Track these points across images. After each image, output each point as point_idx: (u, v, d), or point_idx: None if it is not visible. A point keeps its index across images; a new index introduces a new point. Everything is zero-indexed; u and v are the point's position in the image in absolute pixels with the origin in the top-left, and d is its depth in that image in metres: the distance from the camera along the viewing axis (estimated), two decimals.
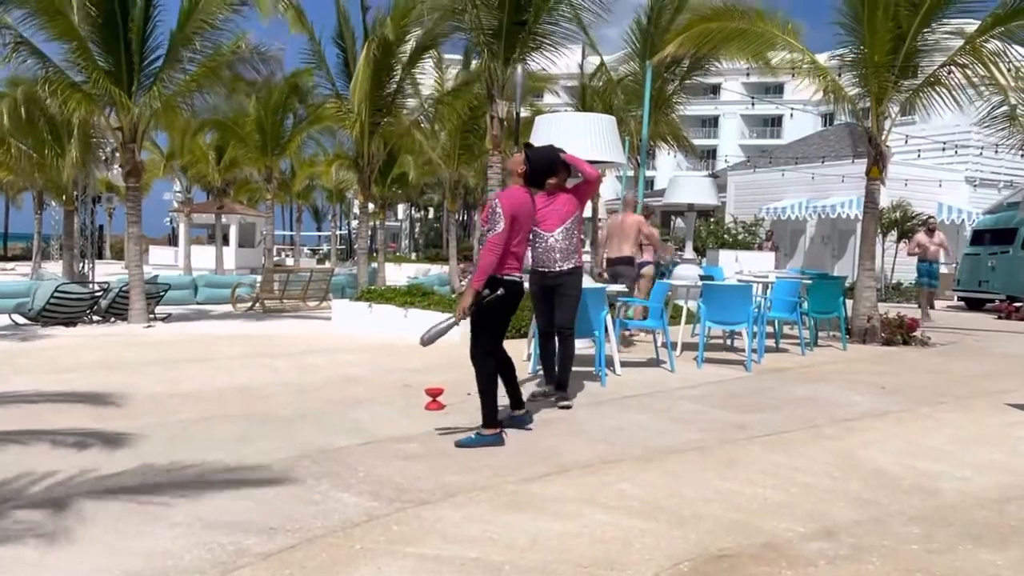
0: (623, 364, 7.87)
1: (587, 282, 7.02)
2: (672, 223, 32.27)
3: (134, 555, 3.22)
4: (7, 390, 6.65)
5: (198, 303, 16.93)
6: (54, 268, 25.51)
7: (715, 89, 56.72)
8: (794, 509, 3.93)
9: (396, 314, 10.88)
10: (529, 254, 5.94)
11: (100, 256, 34.41)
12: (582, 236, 6.56)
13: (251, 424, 5.52)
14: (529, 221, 5.24)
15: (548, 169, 5.54)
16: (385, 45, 15.08)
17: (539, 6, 11.65)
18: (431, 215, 54.05)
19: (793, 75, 11.58)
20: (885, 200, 17.78)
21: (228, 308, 15.89)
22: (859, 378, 7.94)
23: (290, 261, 41.11)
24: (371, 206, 21.30)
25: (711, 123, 64.53)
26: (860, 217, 13.81)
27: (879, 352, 10.00)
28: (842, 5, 10.68)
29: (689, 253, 13.69)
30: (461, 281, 19.70)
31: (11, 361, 8.42)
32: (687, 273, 11.28)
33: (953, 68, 10.60)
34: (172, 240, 43.21)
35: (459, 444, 4.93)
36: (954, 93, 10.85)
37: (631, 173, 18.33)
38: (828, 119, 43.34)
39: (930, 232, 14.95)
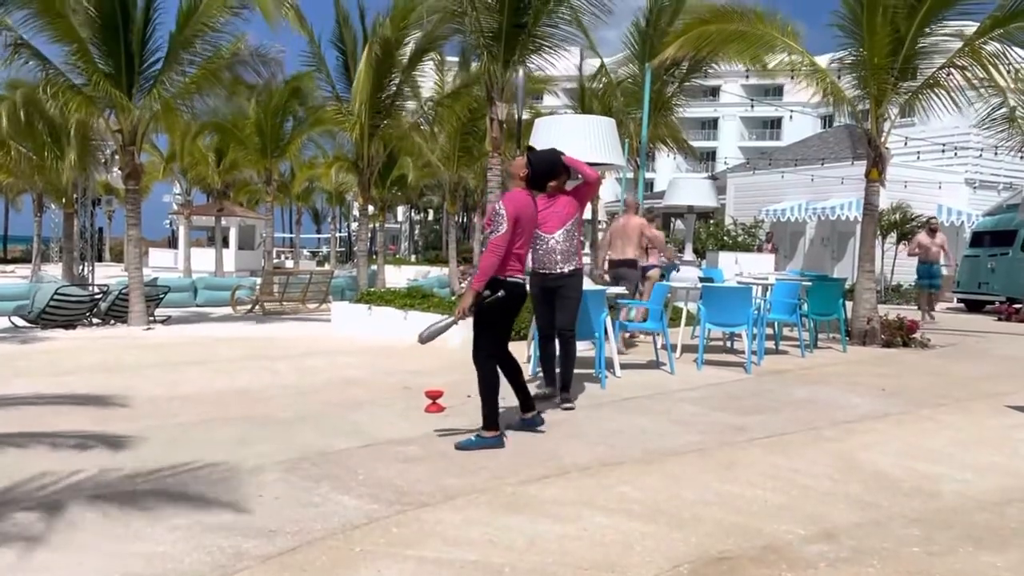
0: (623, 366, 7.87)
1: (587, 284, 7.02)
2: (672, 225, 32.28)
3: (133, 558, 3.22)
4: (7, 392, 6.64)
5: (198, 305, 16.92)
6: (54, 271, 25.50)
7: (714, 91, 56.81)
8: (794, 511, 3.92)
9: (396, 316, 10.87)
10: (529, 256, 5.94)
11: (100, 259, 34.44)
12: (582, 238, 6.56)
13: (251, 426, 5.51)
14: (532, 223, 5.25)
15: (550, 172, 5.55)
16: (386, 47, 15.11)
17: (539, 9, 11.66)
18: (431, 217, 54.08)
19: (792, 77, 11.58)
20: (885, 202, 17.78)
21: (228, 310, 15.88)
22: (859, 380, 7.93)
23: (290, 263, 41.10)
24: (371, 208, 21.30)
25: (711, 125, 64.59)
26: (860, 219, 13.82)
27: (879, 354, 9.99)
28: (841, 8, 10.68)
29: (689, 255, 13.70)
30: (461, 283, 19.70)
31: (11, 363, 8.42)
32: (686, 276, 11.29)
33: (952, 70, 10.61)
34: (172, 242, 43.20)
35: (459, 446, 4.92)
36: (953, 95, 10.86)
37: (631, 175, 18.35)
38: (828, 121, 43.37)
39: (931, 233, 14.92)
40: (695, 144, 32.13)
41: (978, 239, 19.13)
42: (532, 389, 6.54)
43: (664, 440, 5.29)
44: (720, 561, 3.30)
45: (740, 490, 4.23)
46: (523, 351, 8.03)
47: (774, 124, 62.34)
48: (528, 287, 5.50)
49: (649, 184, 45.65)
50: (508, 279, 5.01)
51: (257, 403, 6.36)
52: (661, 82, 16.96)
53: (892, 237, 21.56)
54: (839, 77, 11.38)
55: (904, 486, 4.39)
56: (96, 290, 13.44)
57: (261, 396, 6.65)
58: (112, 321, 12.61)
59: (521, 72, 11.50)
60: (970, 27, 10.66)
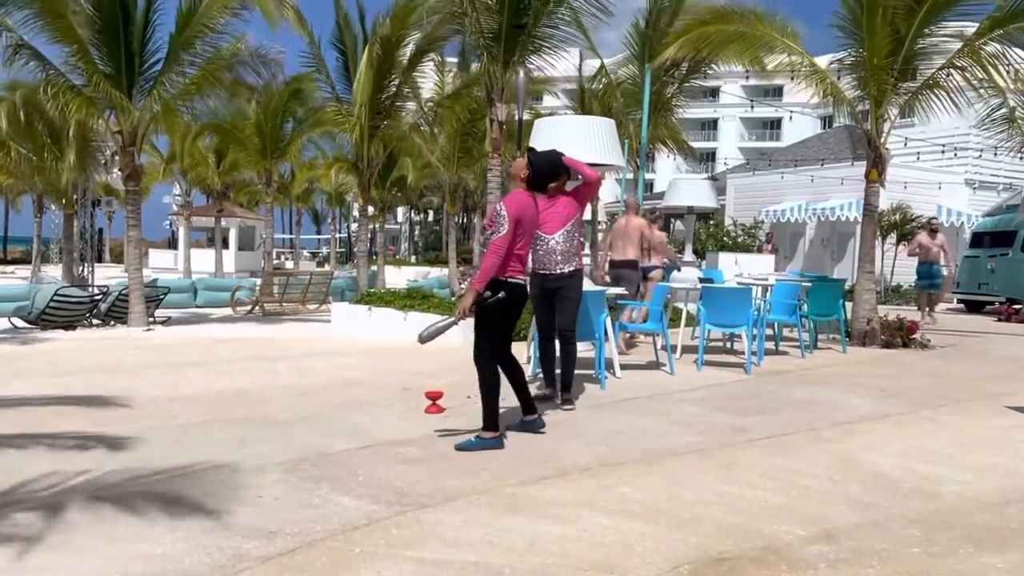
0: (623, 367, 7.87)
1: (586, 285, 7.02)
2: (672, 226, 32.29)
3: (133, 559, 3.22)
4: (7, 394, 6.64)
5: (198, 306, 16.93)
6: (54, 271, 25.51)
7: (714, 92, 56.80)
8: (794, 512, 3.92)
9: (396, 317, 10.87)
10: (529, 257, 5.94)
11: (100, 259, 34.45)
12: (582, 239, 6.57)
13: (251, 427, 5.51)
14: (533, 224, 5.26)
15: (551, 173, 5.56)
16: (386, 47, 15.12)
17: (538, 10, 11.66)
18: (431, 218, 54.10)
19: (792, 78, 11.59)
20: (884, 203, 17.79)
21: (228, 311, 15.88)
22: (859, 381, 7.93)
23: (289, 264, 41.12)
24: (371, 209, 21.32)
25: (710, 126, 64.60)
26: (859, 219, 13.82)
27: (879, 355, 9.99)
28: (840, 8, 10.69)
29: (689, 256, 13.70)
30: (461, 284, 19.71)
31: (11, 364, 8.42)
32: (686, 276, 11.29)
33: (952, 71, 10.61)
34: (172, 243, 43.22)
35: (459, 447, 4.92)
36: (953, 96, 10.86)
37: (630, 176, 18.36)
38: (827, 122, 43.39)
39: (932, 233, 14.90)
40: (695, 145, 32.12)
41: (978, 240, 19.13)
42: (532, 390, 6.55)
43: (664, 441, 5.29)
44: (720, 562, 3.30)
45: (740, 491, 4.23)
46: (523, 352, 8.05)
47: (774, 125, 62.34)
48: (528, 288, 5.50)
49: (649, 185, 45.65)
50: (509, 280, 5.01)
51: (257, 404, 6.36)
52: (661, 83, 16.96)
53: (892, 238, 21.57)
54: (839, 78, 11.38)
55: (904, 487, 4.39)
56: (96, 291, 13.45)
57: (261, 397, 6.65)
58: (112, 322, 12.61)
59: (522, 74, 11.50)
60: (970, 28, 10.67)
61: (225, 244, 31.51)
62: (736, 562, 3.30)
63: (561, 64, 12.96)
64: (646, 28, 17.05)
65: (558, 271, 6.21)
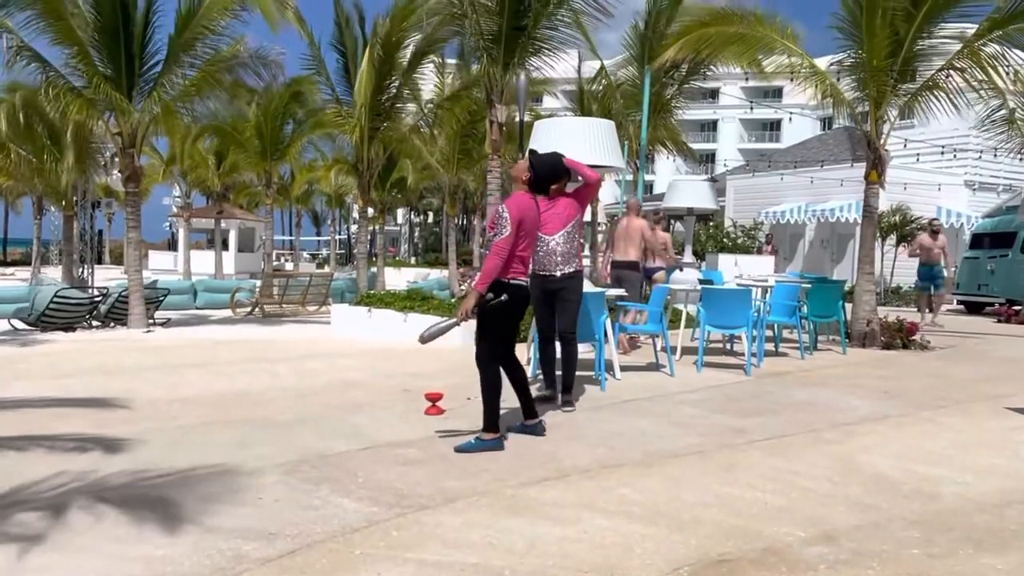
0: (622, 368, 7.87)
1: (586, 286, 7.02)
2: (671, 227, 32.29)
3: (133, 561, 3.22)
4: (6, 395, 6.64)
5: (197, 308, 16.93)
6: (53, 273, 25.51)
7: (714, 93, 56.74)
8: (794, 514, 3.92)
9: (395, 319, 10.87)
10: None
11: (99, 261, 34.42)
12: (582, 240, 6.57)
13: (250, 429, 5.51)
14: (535, 226, 5.28)
15: (552, 175, 5.58)
16: (386, 47, 15.13)
17: (538, 11, 11.67)
18: (430, 219, 54.11)
19: (792, 79, 11.59)
20: (884, 204, 17.79)
21: (227, 313, 15.88)
22: (859, 382, 7.93)
23: (289, 266, 41.12)
24: (370, 211, 21.32)
25: (710, 127, 64.61)
26: (859, 221, 13.82)
27: (879, 356, 9.99)
28: (840, 10, 10.69)
29: (688, 257, 13.71)
30: (461, 285, 19.70)
31: (11, 366, 8.42)
32: (686, 278, 11.28)
33: (951, 72, 10.62)
34: (171, 245, 43.22)
35: (459, 449, 4.92)
36: (952, 97, 10.86)
37: (630, 177, 18.36)
38: (827, 123, 43.39)
39: (934, 234, 14.87)
40: (694, 146, 32.10)
41: (978, 241, 19.13)
42: (533, 391, 6.55)
43: (664, 442, 5.29)
44: (720, 563, 3.30)
45: (740, 492, 4.23)
46: (523, 353, 8.05)
47: (773, 126, 62.37)
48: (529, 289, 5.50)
49: (649, 186, 45.68)
50: (511, 282, 5.02)
51: (257, 406, 6.35)
52: (660, 84, 16.97)
53: (892, 239, 21.57)
54: (838, 79, 11.38)
55: (904, 488, 4.39)
56: (96, 293, 13.46)
57: (261, 399, 6.65)
58: (112, 323, 12.61)
59: (523, 76, 11.50)
60: (969, 29, 10.67)
61: (225, 246, 31.51)
62: (736, 564, 3.30)
63: (561, 65, 12.97)
64: (645, 30, 17.05)
65: (558, 272, 6.21)
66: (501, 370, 5.15)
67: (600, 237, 26.35)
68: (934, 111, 11.13)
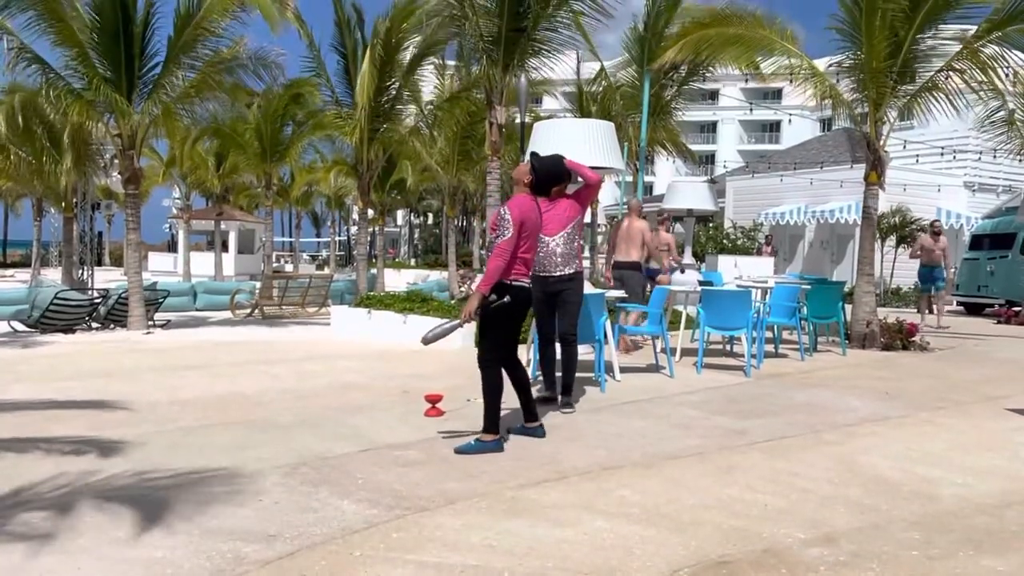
0: (622, 370, 7.87)
1: (587, 287, 7.02)
2: (671, 228, 32.29)
3: (132, 563, 3.22)
4: (6, 398, 6.64)
5: (197, 310, 16.93)
6: (53, 275, 25.52)
7: (713, 95, 56.78)
8: (794, 515, 3.92)
9: (395, 320, 10.88)
10: None
11: (99, 263, 34.44)
12: (582, 241, 6.57)
13: (250, 431, 5.51)
14: (536, 228, 5.29)
15: (554, 177, 5.61)
16: (386, 47, 15.13)
17: (538, 13, 11.67)
18: (430, 221, 54.11)
19: (791, 81, 11.59)
20: (884, 205, 17.80)
21: (227, 315, 15.89)
22: (858, 383, 7.93)
23: (289, 267, 41.11)
24: (370, 212, 21.32)
25: (709, 128, 64.62)
26: (859, 222, 13.83)
27: (878, 357, 9.99)
28: (839, 11, 10.70)
29: (688, 259, 13.71)
30: (461, 287, 19.70)
31: (11, 368, 8.42)
32: (686, 279, 11.30)
33: (951, 73, 10.62)
34: (171, 247, 43.21)
35: (458, 451, 4.93)
36: (952, 98, 10.86)
37: (630, 179, 18.37)
38: (826, 124, 43.41)
39: (935, 236, 14.84)
40: (694, 147, 32.13)
41: (977, 242, 19.14)
42: (533, 393, 6.55)
43: (664, 444, 5.29)
44: (720, 565, 3.30)
45: (740, 494, 4.23)
46: (523, 355, 8.05)
47: (773, 127, 62.37)
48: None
49: (648, 187, 45.68)
50: (513, 283, 5.04)
51: (256, 407, 6.35)
52: (660, 86, 16.98)
53: (891, 240, 21.58)
54: (837, 80, 11.39)
55: (904, 489, 4.39)
56: (95, 294, 13.45)
57: (260, 400, 6.65)
58: (111, 325, 12.61)
59: (523, 78, 11.50)
60: (969, 30, 10.68)
61: (225, 247, 31.51)
62: (736, 565, 3.30)
63: (560, 66, 12.98)
64: (644, 31, 17.07)
65: (558, 273, 6.22)
66: (503, 372, 5.16)
67: (600, 238, 26.39)
68: (933, 112, 11.14)
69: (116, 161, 17.55)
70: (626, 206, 12.09)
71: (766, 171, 28.53)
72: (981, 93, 11.23)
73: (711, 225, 27.33)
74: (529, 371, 7.45)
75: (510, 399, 5.28)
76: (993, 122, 12.26)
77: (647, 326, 8.84)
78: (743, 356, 8.62)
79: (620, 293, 9.12)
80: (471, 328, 5.11)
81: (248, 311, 15.98)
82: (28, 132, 17.44)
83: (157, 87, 12.41)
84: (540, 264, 6.25)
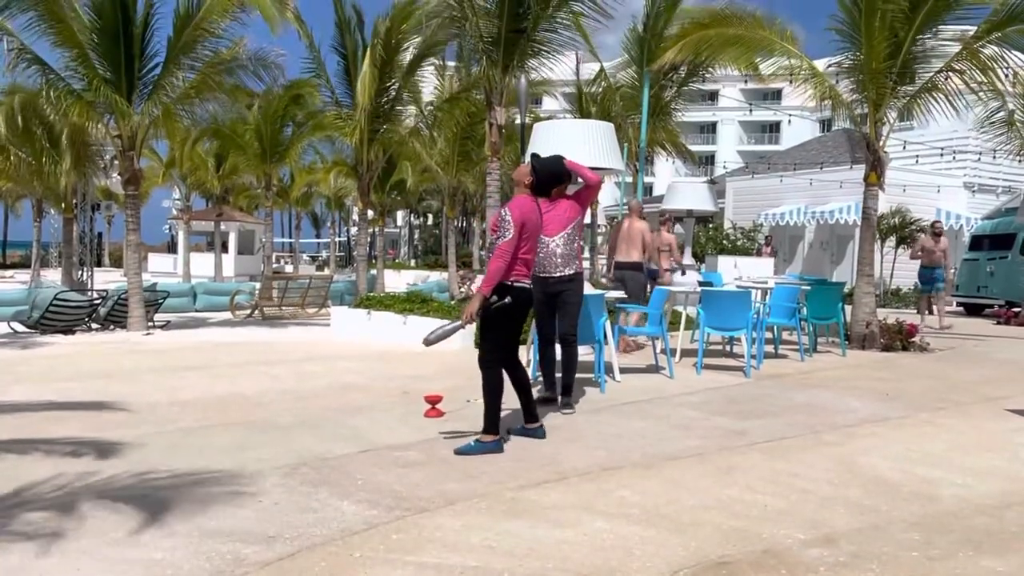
0: (622, 370, 7.87)
1: (586, 288, 7.02)
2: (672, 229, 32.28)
3: (132, 564, 3.21)
4: (6, 399, 6.64)
5: (197, 310, 16.93)
6: (53, 276, 25.52)
7: (713, 95, 56.82)
8: (794, 516, 3.92)
9: (395, 321, 10.88)
10: None
11: (99, 264, 34.42)
12: (582, 242, 6.57)
13: (250, 432, 5.51)
14: (537, 229, 5.31)
15: (555, 178, 5.62)
16: (387, 47, 15.13)
17: (538, 14, 11.67)
18: (430, 222, 54.10)
19: (791, 81, 11.60)
20: (884, 206, 17.79)
21: (227, 315, 15.88)
22: (858, 384, 7.93)
23: (289, 268, 41.11)
24: (370, 213, 21.32)
25: (709, 129, 64.62)
26: (858, 223, 13.83)
27: (878, 358, 9.99)
28: (839, 12, 10.70)
29: (688, 259, 13.71)
30: (461, 288, 19.70)
31: (11, 369, 8.41)
32: (686, 280, 11.31)
33: (950, 74, 10.63)
34: (171, 247, 43.19)
35: (458, 451, 4.93)
36: (951, 99, 10.87)
37: (629, 179, 18.38)
38: (826, 125, 43.42)
39: (936, 237, 14.80)
40: (694, 148, 32.14)
41: (977, 243, 19.13)
42: (533, 394, 6.55)
43: (663, 444, 5.29)
44: (720, 566, 3.30)
45: (739, 494, 4.23)
46: (522, 355, 8.04)
47: (773, 128, 62.37)
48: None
49: (648, 188, 45.67)
50: (515, 284, 5.05)
51: (256, 408, 6.35)
52: (659, 86, 16.98)
53: (891, 241, 21.58)
54: (837, 81, 11.39)
55: (903, 490, 4.39)
56: (95, 295, 13.45)
57: (260, 401, 6.65)
58: (111, 326, 12.61)
59: (524, 80, 11.50)
60: (968, 30, 10.68)
61: (224, 248, 31.49)
62: (736, 566, 3.30)
63: (560, 67, 12.97)
64: (644, 32, 17.07)
65: (558, 274, 6.22)
66: (503, 372, 5.16)
67: (600, 239, 26.39)
68: (933, 113, 11.14)
69: (116, 162, 17.56)
70: (626, 207, 12.09)
71: (766, 172, 28.54)
72: (981, 94, 11.23)
73: (711, 226, 27.34)
74: (529, 372, 7.46)
75: (510, 400, 5.28)
76: (993, 123, 12.27)
77: (647, 327, 8.84)
78: (743, 357, 8.62)
79: (620, 294, 9.12)
80: (471, 329, 5.12)
81: (248, 312, 15.98)
82: (28, 133, 17.44)
83: (157, 88, 12.42)
84: (540, 265, 6.25)
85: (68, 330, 12.00)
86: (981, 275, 18.14)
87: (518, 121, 11.95)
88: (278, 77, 14.04)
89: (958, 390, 7.75)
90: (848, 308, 10.82)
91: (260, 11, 11.80)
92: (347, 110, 16.35)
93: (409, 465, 4.68)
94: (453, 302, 12.96)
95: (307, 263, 51.66)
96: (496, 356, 5.12)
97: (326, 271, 40.15)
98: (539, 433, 5.38)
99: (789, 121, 51.41)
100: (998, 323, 15.81)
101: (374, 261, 27.85)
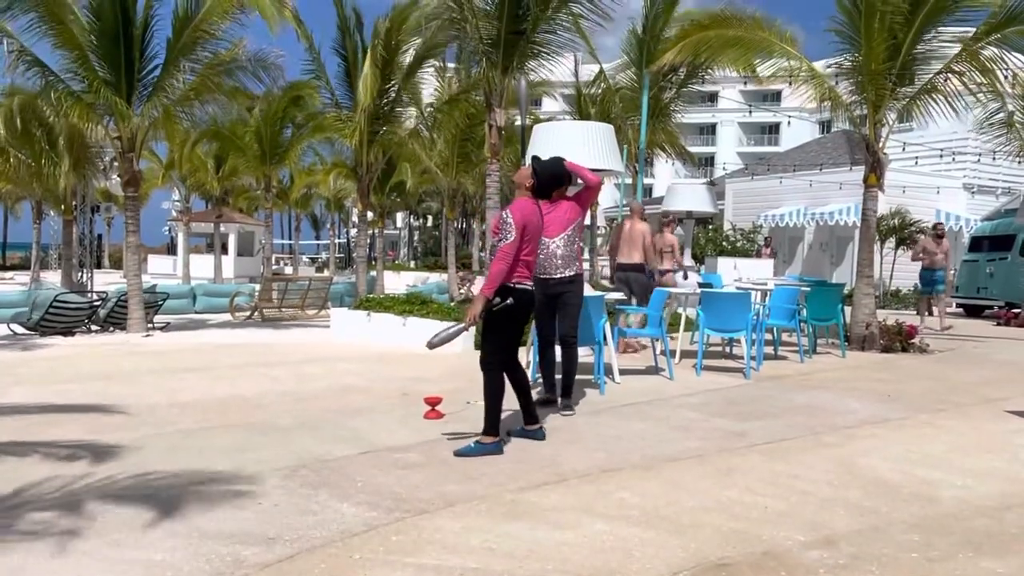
0: (622, 372, 7.87)
1: (586, 290, 7.02)
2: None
3: (132, 565, 3.21)
4: (6, 401, 6.64)
5: (197, 312, 16.93)
6: (52, 277, 25.50)
7: (712, 97, 56.87)
8: (793, 517, 3.92)
9: (395, 323, 10.88)
10: None
11: (99, 265, 34.44)
12: (582, 244, 6.58)
13: (250, 433, 5.51)
14: (538, 231, 5.33)
15: (555, 181, 5.63)
16: (387, 47, 15.14)
17: (537, 16, 11.68)
18: (430, 223, 54.08)
19: (791, 83, 11.61)
20: (883, 207, 17.79)
21: (227, 317, 15.87)
22: (858, 385, 7.93)
23: (289, 270, 41.10)
24: (370, 214, 21.32)
25: (709, 131, 64.65)
26: (858, 224, 13.84)
27: (878, 359, 9.99)
28: (838, 14, 10.71)
29: (688, 261, 13.72)
30: (460, 289, 19.70)
31: (11, 371, 8.42)
32: (688, 282, 11.32)
33: (950, 75, 10.63)
34: (171, 249, 43.19)
35: (458, 453, 4.93)
36: (951, 100, 10.87)
37: (629, 181, 18.38)
38: (826, 126, 43.44)
39: (938, 239, 14.78)
40: (693, 150, 32.16)
41: (976, 244, 19.15)
42: (533, 395, 6.55)
43: (663, 446, 5.29)
44: (719, 568, 3.30)
45: (739, 496, 4.23)
46: (522, 357, 8.04)
47: (772, 129, 62.40)
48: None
49: (648, 190, 45.70)
50: (516, 286, 5.06)
51: (256, 410, 6.35)
52: (659, 88, 16.99)
53: (891, 242, 21.59)
54: (836, 83, 11.40)
55: (903, 492, 4.39)
56: (95, 297, 13.44)
57: (260, 403, 6.65)
58: (111, 328, 12.61)
59: (524, 82, 11.51)
60: (968, 32, 10.68)
61: (224, 250, 31.47)
62: (736, 568, 3.30)
63: (560, 68, 12.97)
64: (643, 34, 17.09)
65: (558, 275, 6.22)
66: (504, 374, 5.17)
67: (600, 240, 26.39)
68: (932, 114, 11.14)
69: (116, 164, 17.56)
70: (627, 208, 12.09)
71: (765, 173, 28.56)
72: (980, 95, 11.24)
73: (710, 227, 27.36)
74: (529, 373, 7.46)
75: (510, 401, 5.28)
76: (992, 124, 12.27)
77: (648, 328, 8.83)
78: (743, 358, 8.62)
79: (620, 295, 9.12)
80: (472, 331, 5.13)
81: (248, 314, 15.97)
82: (27, 135, 17.44)
83: (157, 90, 12.42)
84: (540, 266, 6.25)
85: (68, 332, 12.00)
86: (981, 276, 18.15)
87: (518, 123, 11.96)
88: (278, 78, 14.05)
89: (958, 391, 7.75)
90: (848, 309, 10.82)
91: (259, 10, 11.77)
92: (347, 112, 16.36)
93: (409, 467, 4.68)
94: (453, 304, 12.97)
95: (307, 265, 51.67)
96: (498, 358, 5.13)
97: (326, 273, 40.16)
98: (539, 435, 5.39)
99: (789, 123, 51.47)
100: (998, 324, 15.82)
101: (374, 263, 27.84)
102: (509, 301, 5.02)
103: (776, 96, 56.68)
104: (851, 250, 22.82)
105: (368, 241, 24.01)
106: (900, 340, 10.67)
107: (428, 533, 3.61)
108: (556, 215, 6.15)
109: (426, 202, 44.26)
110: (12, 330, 12.16)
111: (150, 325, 12.83)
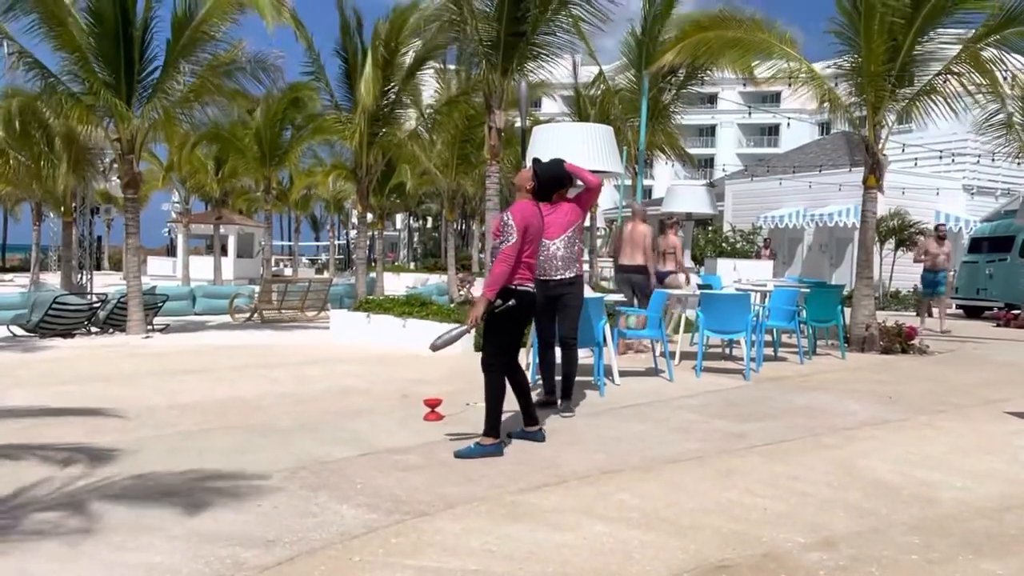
0: (621, 373, 7.87)
1: (586, 291, 7.02)
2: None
3: (132, 568, 3.21)
4: (5, 403, 6.63)
5: (196, 314, 16.93)
6: (52, 279, 25.50)
7: (712, 98, 56.88)
8: (793, 519, 3.92)
9: (394, 324, 10.88)
10: None
11: (98, 267, 34.44)
12: (582, 245, 6.58)
13: (249, 435, 5.51)
14: (539, 233, 5.34)
15: (556, 183, 5.65)
16: (387, 50, 15.15)
17: (537, 17, 11.68)
18: (429, 225, 54.09)
19: (790, 84, 11.61)
20: (883, 209, 17.80)
21: (226, 319, 15.87)
22: (858, 387, 7.93)
23: (288, 271, 41.10)
24: (369, 216, 21.32)
25: (708, 132, 64.67)
26: (858, 225, 13.84)
27: (877, 361, 9.99)
28: (838, 15, 10.71)
29: (688, 262, 13.72)
30: (460, 291, 19.69)
31: (10, 373, 8.41)
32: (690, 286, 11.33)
33: (949, 76, 10.64)
34: (170, 251, 43.20)
35: (458, 455, 4.93)
36: (950, 101, 10.88)
37: (629, 182, 18.39)
38: (825, 128, 43.47)
39: (940, 240, 14.75)
40: (693, 151, 32.18)
41: (976, 245, 19.15)
42: (533, 397, 6.55)
43: (663, 448, 5.29)
44: (719, 569, 3.30)
45: (739, 498, 4.23)
46: (522, 358, 8.04)
47: (772, 131, 62.43)
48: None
49: (647, 191, 45.72)
50: (518, 288, 5.07)
51: (256, 411, 6.35)
52: (658, 89, 16.99)
53: (890, 244, 21.60)
54: (836, 84, 11.40)
55: (903, 493, 4.39)
56: (94, 299, 13.44)
57: (260, 404, 6.64)
58: (110, 330, 12.61)
59: (524, 84, 11.51)
60: (967, 33, 10.69)
61: (224, 251, 31.47)
62: (735, 569, 3.30)
63: (560, 70, 12.97)
64: (642, 35, 17.10)
65: (559, 277, 6.23)
66: (505, 376, 5.17)
67: (600, 242, 26.40)
68: (932, 116, 11.15)
69: (115, 165, 17.56)
70: (628, 210, 12.08)
71: (765, 175, 28.57)
72: (979, 96, 11.25)
73: (710, 228, 27.36)
74: (529, 375, 7.46)
75: (510, 403, 5.28)
76: (992, 125, 12.29)
77: (647, 330, 8.83)
78: (742, 360, 8.62)
79: (620, 297, 9.12)
80: (473, 332, 5.13)
81: (247, 315, 15.97)
82: (26, 136, 17.45)
83: (156, 91, 12.42)
84: (541, 268, 6.25)
85: (67, 334, 11.99)
86: (980, 277, 18.16)
87: (518, 124, 11.95)
88: (277, 80, 14.04)
89: (957, 393, 7.75)
90: (847, 311, 10.82)
91: (256, 8, 11.73)
92: (347, 113, 16.36)
93: (409, 468, 4.67)
94: (452, 305, 12.96)
95: (306, 266, 51.68)
96: (499, 360, 5.13)
97: (325, 274, 40.15)
98: (539, 436, 5.39)
99: (788, 124, 51.47)
100: (997, 325, 15.82)
101: (373, 264, 27.85)
102: (511, 303, 5.03)
103: (776, 98, 56.73)
104: (850, 251, 22.82)
105: (368, 243, 24.01)
106: (900, 341, 10.68)
107: (428, 535, 3.61)
108: (556, 217, 6.15)
109: (426, 204, 44.29)
110: (12, 332, 12.16)
111: (150, 327, 12.83)
